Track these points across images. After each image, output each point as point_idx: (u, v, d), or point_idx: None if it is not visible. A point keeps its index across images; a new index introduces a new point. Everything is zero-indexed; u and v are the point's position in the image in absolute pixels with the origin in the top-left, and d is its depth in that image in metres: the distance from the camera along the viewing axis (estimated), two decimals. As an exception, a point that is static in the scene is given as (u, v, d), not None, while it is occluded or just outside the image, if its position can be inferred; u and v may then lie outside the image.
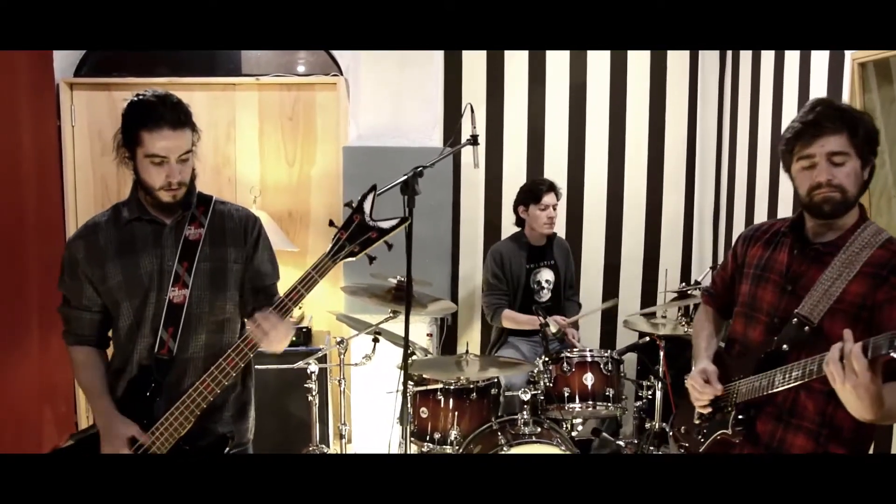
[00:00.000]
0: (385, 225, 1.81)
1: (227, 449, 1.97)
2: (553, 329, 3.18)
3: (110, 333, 2.07)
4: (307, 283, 1.81)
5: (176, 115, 1.88)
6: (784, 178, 3.54)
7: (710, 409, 1.95)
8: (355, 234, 1.81)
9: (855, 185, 1.74)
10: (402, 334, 3.28)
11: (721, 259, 4.39)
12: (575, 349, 3.31)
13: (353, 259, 1.82)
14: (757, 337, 1.90)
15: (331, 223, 1.86)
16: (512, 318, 3.73)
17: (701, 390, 1.93)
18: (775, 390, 1.74)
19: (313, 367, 3.18)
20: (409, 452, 2.55)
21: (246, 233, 2.07)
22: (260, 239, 2.10)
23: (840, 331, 1.70)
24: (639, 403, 3.39)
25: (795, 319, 1.77)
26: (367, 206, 1.82)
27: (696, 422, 2.03)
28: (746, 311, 1.96)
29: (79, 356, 2.04)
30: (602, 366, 3.19)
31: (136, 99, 1.92)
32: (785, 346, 1.79)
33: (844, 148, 1.71)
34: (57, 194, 3.97)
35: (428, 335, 4.05)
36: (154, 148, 1.85)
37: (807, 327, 1.75)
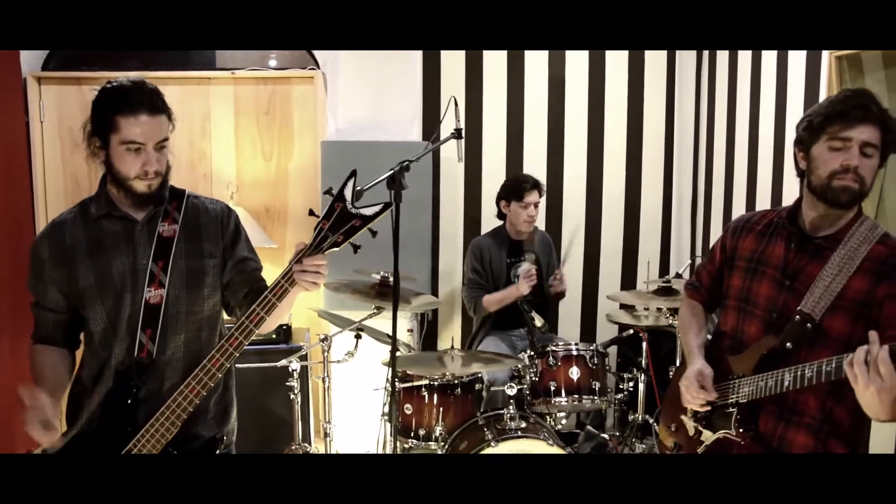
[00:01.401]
0: (368, 212, 1.72)
1: (217, 452, 1.91)
2: (539, 323, 3.17)
3: (81, 336, 1.98)
4: (289, 277, 1.74)
5: (154, 101, 1.80)
6: (763, 171, 3.60)
7: (707, 408, 1.91)
8: (338, 223, 1.71)
9: (871, 180, 1.71)
10: (384, 330, 3.27)
11: (699, 251, 4.42)
12: (560, 342, 3.30)
13: (337, 249, 1.73)
14: (753, 332, 1.87)
15: (311, 212, 1.77)
16: (492, 301, 3.70)
17: (696, 395, 1.89)
18: (783, 391, 1.70)
19: (295, 365, 3.13)
20: (394, 449, 2.51)
21: (222, 226, 1.99)
22: (239, 230, 2.03)
23: (840, 328, 1.70)
24: (620, 396, 3.40)
25: (798, 317, 1.74)
26: (347, 194, 1.73)
27: (690, 420, 1.99)
28: (740, 304, 1.92)
29: (34, 350, 1.96)
30: (588, 359, 3.19)
31: (109, 85, 1.82)
32: (789, 344, 1.75)
33: (876, 141, 1.69)
34: (26, 192, 3.87)
35: (408, 331, 4.02)
36: (131, 134, 1.76)
37: (809, 324, 1.72)
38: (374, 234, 1.73)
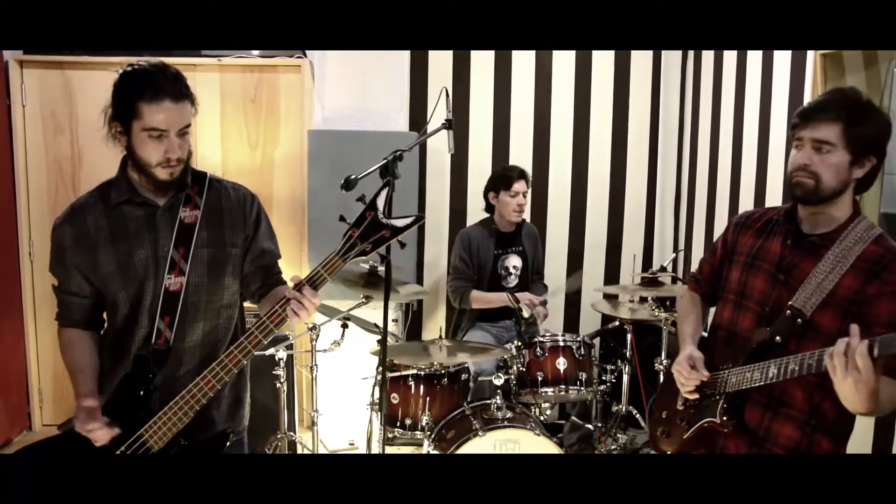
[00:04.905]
0: (399, 223, 1.70)
1: (227, 444, 1.89)
2: (526, 314, 3.18)
3: (105, 317, 1.98)
4: (315, 281, 1.72)
5: (177, 87, 1.76)
6: (747, 165, 3.65)
7: (696, 396, 1.95)
8: (368, 231, 1.70)
9: (835, 177, 1.73)
10: (371, 320, 3.27)
11: (682, 244, 4.46)
12: (547, 333, 3.33)
13: (364, 258, 1.73)
14: (746, 325, 1.90)
15: (341, 218, 1.76)
16: (481, 299, 3.71)
17: (688, 376, 1.92)
18: (768, 383, 1.73)
19: (281, 354, 3.13)
20: (382, 438, 2.52)
21: (245, 213, 1.98)
22: (260, 217, 2.01)
23: (829, 324, 1.73)
24: (603, 387, 3.43)
25: (789, 312, 1.78)
26: (380, 203, 1.71)
27: (680, 407, 2.03)
28: (736, 298, 1.96)
29: (65, 336, 1.95)
30: (574, 350, 3.22)
31: (131, 69, 1.78)
32: (778, 337, 1.78)
33: (832, 139, 1.71)
34: (7, 176, 3.82)
35: (393, 320, 4.03)
36: (154, 121, 1.73)
37: (799, 319, 1.76)
38: (402, 245, 1.72)
